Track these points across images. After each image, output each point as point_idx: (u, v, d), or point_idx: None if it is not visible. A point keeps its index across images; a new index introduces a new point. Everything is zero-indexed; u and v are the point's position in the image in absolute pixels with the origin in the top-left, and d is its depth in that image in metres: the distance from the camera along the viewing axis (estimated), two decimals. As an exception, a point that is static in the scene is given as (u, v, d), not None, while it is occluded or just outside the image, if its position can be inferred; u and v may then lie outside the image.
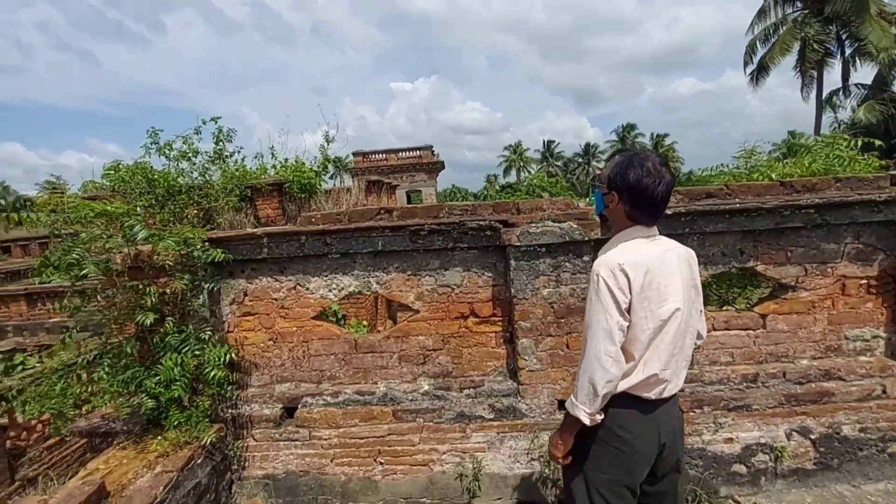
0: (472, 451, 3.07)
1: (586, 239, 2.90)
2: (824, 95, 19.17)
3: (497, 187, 50.69)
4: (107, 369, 2.66)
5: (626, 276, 1.50)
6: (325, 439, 3.13)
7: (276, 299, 3.27)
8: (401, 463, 3.11)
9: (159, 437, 2.77)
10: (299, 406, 3.22)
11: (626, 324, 1.52)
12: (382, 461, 3.11)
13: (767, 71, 19.09)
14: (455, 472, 3.06)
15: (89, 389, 2.65)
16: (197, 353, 2.84)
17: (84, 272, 2.43)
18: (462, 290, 3.20)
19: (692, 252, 1.72)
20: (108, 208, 2.64)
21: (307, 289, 3.26)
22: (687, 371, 1.70)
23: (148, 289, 2.74)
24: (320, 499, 3.09)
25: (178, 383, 2.74)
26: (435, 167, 29.07)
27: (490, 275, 3.18)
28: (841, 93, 18.71)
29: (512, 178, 54.29)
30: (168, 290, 2.84)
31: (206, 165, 7.76)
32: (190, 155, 7.76)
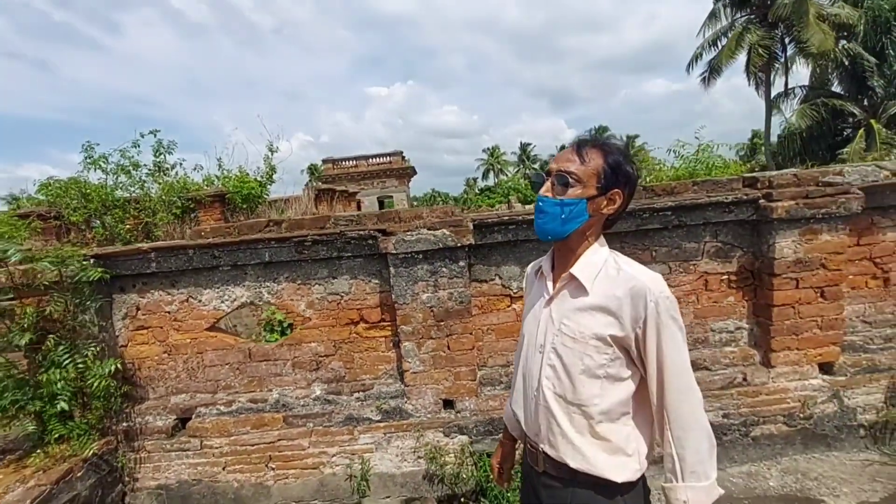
0: (361, 453, 3.18)
1: (459, 245, 3.06)
2: (772, 97, 19.93)
3: (476, 191, 51.11)
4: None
5: None
6: (217, 448, 3.20)
7: (168, 312, 3.34)
8: (292, 467, 3.20)
9: (39, 452, 2.82)
10: (193, 416, 3.29)
11: None
12: (274, 466, 3.20)
13: (719, 72, 19.76)
14: (345, 473, 3.17)
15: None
16: (80, 365, 2.90)
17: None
18: (351, 297, 3.33)
19: None
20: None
21: (200, 301, 3.34)
22: None
23: (25, 309, 2.80)
24: (214, 506, 3.16)
25: (61, 397, 2.80)
26: (406, 172, 29.14)
27: (377, 282, 3.32)
28: (785, 96, 19.46)
29: (490, 181, 54.91)
30: (49, 310, 2.89)
31: (145, 178, 7.76)
32: (130, 168, 7.77)
